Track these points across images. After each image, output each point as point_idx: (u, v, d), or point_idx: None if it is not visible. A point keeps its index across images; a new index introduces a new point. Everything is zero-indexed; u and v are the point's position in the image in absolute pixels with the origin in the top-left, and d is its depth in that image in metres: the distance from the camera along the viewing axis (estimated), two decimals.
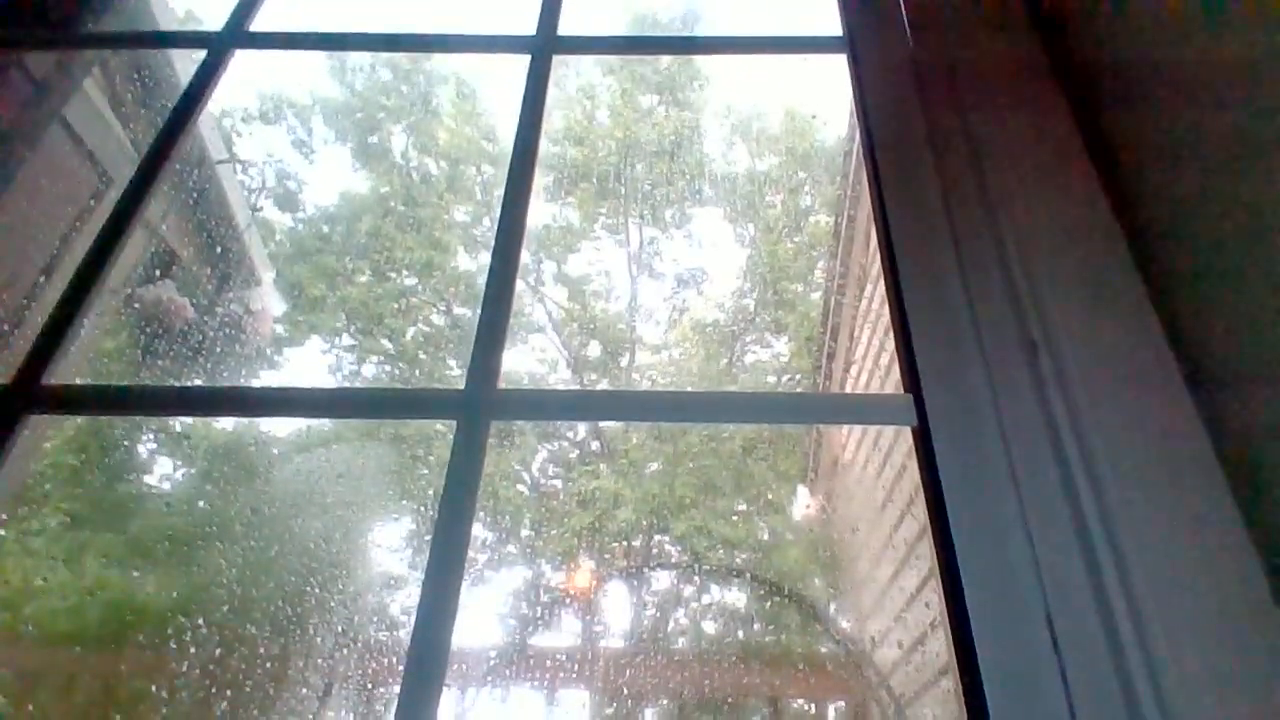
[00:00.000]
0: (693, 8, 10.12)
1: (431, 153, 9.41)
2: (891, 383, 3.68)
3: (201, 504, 5.69)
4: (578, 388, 8.40)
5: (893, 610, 3.55)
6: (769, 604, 5.74)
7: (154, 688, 3.61)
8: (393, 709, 0.59)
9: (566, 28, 1.12)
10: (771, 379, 8.20)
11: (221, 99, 8.80)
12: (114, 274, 0.94)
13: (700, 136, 9.08)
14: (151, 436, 6.30)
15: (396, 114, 9.47)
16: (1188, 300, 0.67)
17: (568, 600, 5.79)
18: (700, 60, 9.26)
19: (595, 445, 8.28)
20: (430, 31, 1.20)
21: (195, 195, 3.72)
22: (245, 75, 9.24)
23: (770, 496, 6.97)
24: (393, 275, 8.70)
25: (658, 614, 6.42)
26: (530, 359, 8.86)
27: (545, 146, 8.93)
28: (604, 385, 8.71)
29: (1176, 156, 0.71)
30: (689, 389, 7.57)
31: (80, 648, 3.94)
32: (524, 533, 7.30)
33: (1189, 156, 0.70)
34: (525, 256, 8.95)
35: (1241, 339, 0.62)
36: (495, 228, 0.90)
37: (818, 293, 7.57)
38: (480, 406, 0.74)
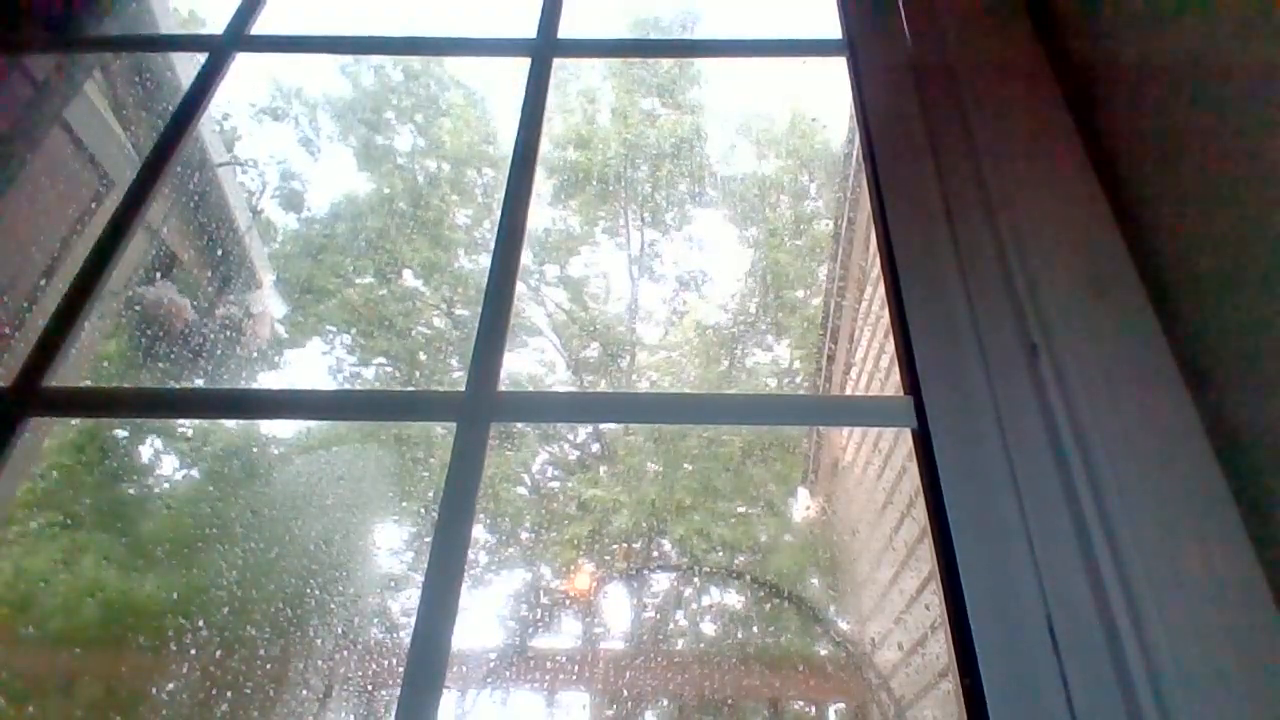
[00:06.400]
0: (693, 10, 10.16)
1: (434, 154, 9.43)
2: (891, 385, 3.68)
3: (202, 505, 5.69)
4: (578, 390, 8.40)
5: (893, 612, 3.55)
6: (769, 606, 5.74)
7: (154, 689, 3.61)
8: (393, 711, 0.59)
9: (569, 31, 1.12)
10: (772, 381, 8.20)
11: (223, 98, 8.81)
12: (115, 277, 0.94)
13: (701, 139, 9.08)
14: (152, 438, 6.30)
15: (402, 114, 9.50)
16: (1188, 300, 0.68)
17: (567, 602, 5.78)
18: (701, 63, 9.27)
19: (596, 448, 8.28)
20: (432, 34, 1.21)
21: (196, 198, 3.72)
22: (247, 74, 9.28)
23: (770, 499, 6.96)
24: (394, 276, 8.72)
25: (658, 616, 6.41)
26: (530, 361, 8.87)
27: (547, 149, 8.97)
28: (604, 387, 8.71)
29: (1176, 156, 0.71)
30: (689, 391, 7.57)
31: (80, 649, 3.94)
32: (524, 535, 7.30)
33: (1188, 156, 0.70)
34: (526, 259, 9.02)
35: (1241, 339, 0.62)
36: (496, 230, 0.90)
37: (819, 296, 7.57)
38: (481, 408, 0.74)
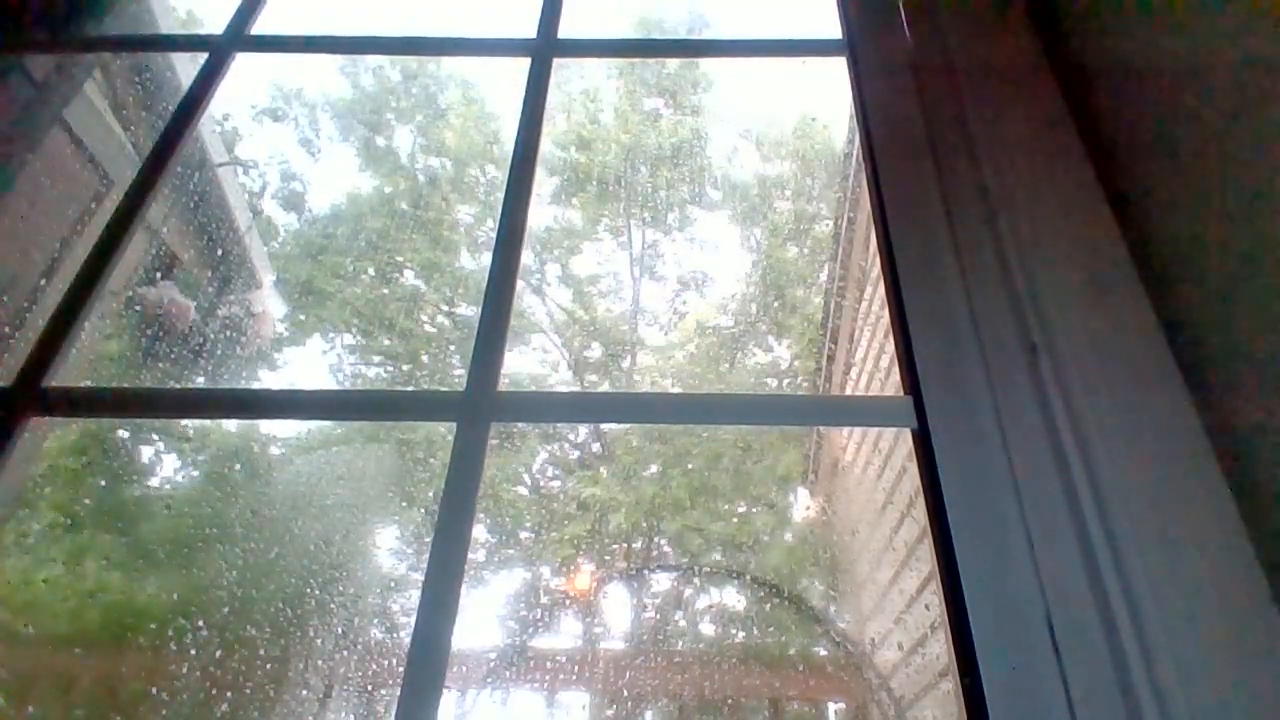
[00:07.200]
0: (699, 12, 10.20)
1: (436, 153, 9.44)
2: (891, 385, 3.68)
3: (203, 506, 5.69)
4: (579, 389, 8.40)
5: (893, 612, 3.55)
6: (769, 606, 5.74)
7: (154, 690, 3.61)
8: (393, 711, 0.59)
9: (573, 31, 1.12)
10: (773, 382, 8.21)
11: (225, 98, 8.83)
12: (115, 276, 0.94)
13: (703, 140, 9.10)
14: (153, 439, 6.30)
15: (403, 114, 9.51)
16: (1188, 300, 0.67)
17: (567, 602, 5.78)
18: (704, 66, 9.29)
19: (596, 447, 8.29)
20: (433, 34, 1.21)
21: (196, 198, 3.72)
22: (249, 74, 9.29)
23: (769, 499, 6.96)
24: (395, 276, 8.73)
25: (658, 616, 6.41)
26: (532, 360, 8.88)
27: (550, 149, 8.97)
28: (605, 387, 8.72)
29: (1176, 156, 0.71)
30: (689, 391, 7.57)
31: (81, 650, 3.94)
32: (524, 535, 7.30)
33: (1188, 156, 0.70)
34: (528, 258, 9.02)
35: (1241, 339, 0.62)
36: (496, 229, 0.90)
37: (819, 296, 7.57)
38: (481, 408, 0.74)
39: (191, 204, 3.73)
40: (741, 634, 5.99)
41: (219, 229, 4.05)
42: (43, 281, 1.50)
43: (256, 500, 5.70)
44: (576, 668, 4.34)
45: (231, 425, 6.29)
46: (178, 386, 5.25)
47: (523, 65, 1.05)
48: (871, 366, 4.06)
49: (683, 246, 9.42)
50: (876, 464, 3.88)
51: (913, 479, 3.12)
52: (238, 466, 6.02)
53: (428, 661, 0.60)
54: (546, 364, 8.97)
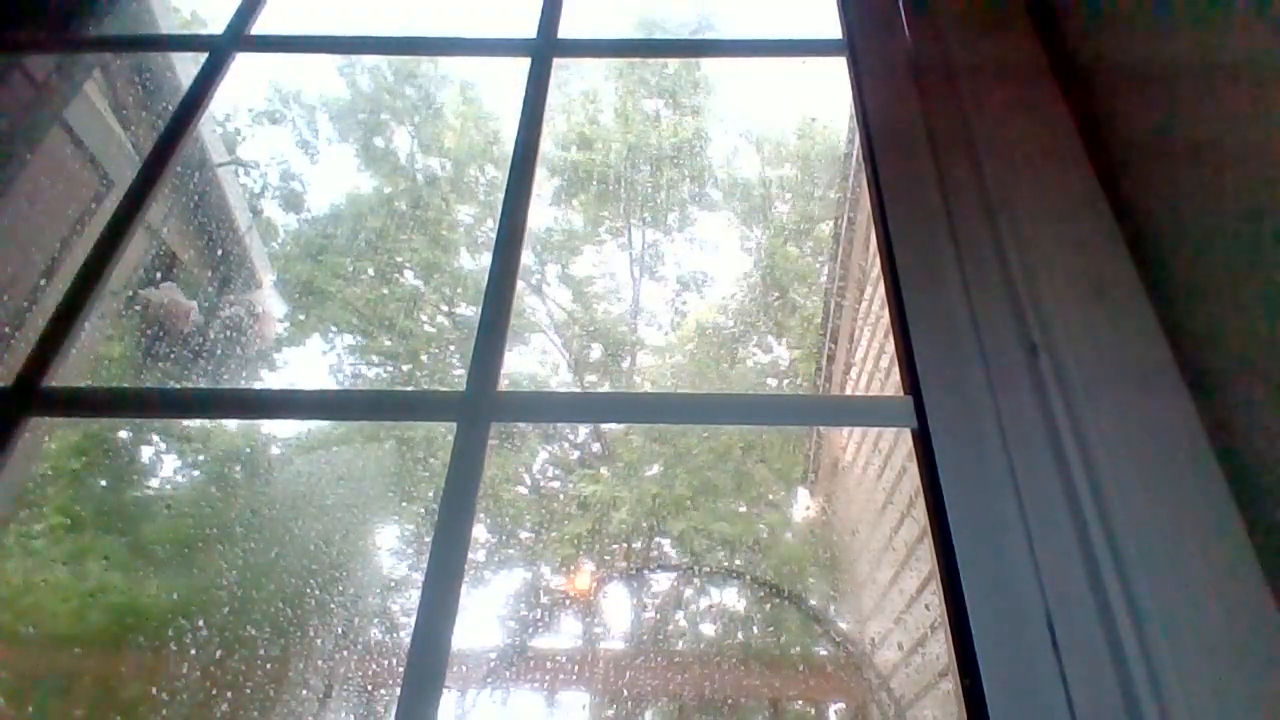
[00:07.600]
0: (703, 12, 10.22)
1: (436, 153, 9.44)
2: (891, 385, 3.68)
3: (203, 506, 5.69)
4: (579, 389, 8.41)
5: (893, 612, 3.55)
6: (769, 606, 5.74)
7: (155, 690, 3.61)
8: (393, 711, 0.59)
9: (573, 31, 1.12)
10: (773, 382, 8.21)
11: (225, 99, 8.83)
12: (115, 277, 0.94)
13: (703, 140, 9.10)
14: (153, 439, 6.30)
15: (401, 115, 9.51)
16: (1188, 300, 0.67)
17: (567, 602, 5.78)
18: (705, 67, 9.30)
19: (596, 447, 8.29)
20: (432, 34, 1.21)
21: (196, 198, 3.72)
22: (249, 74, 9.29)
23: (770, 499, 6.96)
24: (396, 275, 8.74)
25: (658, 616, 6.41)
26: (532, 361, 8.89)
27: (551, 150, 8.96)
28: (605, 387, 8.73)
29: (1176, 155, 0.71)
30: (689, 391, 7.57)
31: (81, 650, 3.94)
32: (524, 535, 7.30)
33: (1188, 156, 0.70)
34: (529, 259, 9.02)
35: (1241, 339, 0.62)
36: (496, 229, 0.90)
37: (819, 296, 7.57)
38: (481, 408, 0.74)
39: (191, 204, 3.73)
40: (741, 634, 5.99)
41: (219, 229, 4.05)
42: (43, 281, 1.50)
43: (257, 500, 5.70)
44: (576, 668, 4.34)
45: (232, 425, 6.29)
46: (178, 386, 5.25)
47: (522, 65, 1.05)
48: (871, 366, 4.06)
49: (683, 247, 9.43)
50: (876, 464, 3.88)
51: (913, 479, 3.12)
52: (238, 467, 6.02)
53: (428, 661, 0.60)
54: (546, 364, 8.98)
